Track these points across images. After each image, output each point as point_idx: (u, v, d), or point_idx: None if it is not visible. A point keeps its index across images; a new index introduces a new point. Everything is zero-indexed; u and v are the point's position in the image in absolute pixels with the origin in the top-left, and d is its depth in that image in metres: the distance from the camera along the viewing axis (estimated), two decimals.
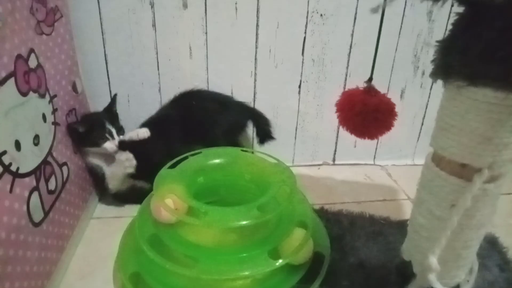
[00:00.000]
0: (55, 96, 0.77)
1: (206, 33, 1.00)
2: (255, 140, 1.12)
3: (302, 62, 1.07)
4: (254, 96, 1.09)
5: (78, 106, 0.90)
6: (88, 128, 0.83)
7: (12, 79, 0.59)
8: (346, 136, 0.85)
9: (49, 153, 0.71)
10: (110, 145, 0.85)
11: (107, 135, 0.85)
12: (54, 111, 0.76)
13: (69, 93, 0.86)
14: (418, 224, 0.58)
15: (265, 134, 1.09)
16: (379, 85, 0.78)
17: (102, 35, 0.96)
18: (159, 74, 1.03)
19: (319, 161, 1.22)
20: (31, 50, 0.67)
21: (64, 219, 0.76)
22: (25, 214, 0.60)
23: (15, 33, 0.61)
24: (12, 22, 0.60)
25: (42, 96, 0.71)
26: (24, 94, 0.63)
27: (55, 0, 0.78)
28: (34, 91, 0.67)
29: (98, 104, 1.01)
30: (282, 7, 0.99)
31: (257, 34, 1.02)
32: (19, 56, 0.61)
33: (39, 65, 0.70)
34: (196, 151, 0.79)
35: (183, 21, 0.98)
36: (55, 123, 0.76)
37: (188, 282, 0.62)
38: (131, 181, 0.92)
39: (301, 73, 1.08)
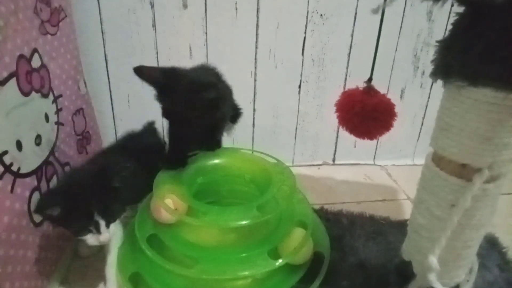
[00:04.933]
0: (60, 96, 0.77)
1: (206, 33, 1.00)
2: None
3: (302, 62, 1.07)
4: (254, 96, 1.09)
5: (85, 106, 0.90)
6: (66, 213, 0.58)
7: (14, 79, 0.59)
8: (346, 136, 0.85)
9: (51, 153, 0.71)
10: (91, 240, 0.62)
11: (92, 228, 0.61)
12: (58, 111, 0.76)
13: (76, 92, 0.86)
14: (418, 224, 0.58)
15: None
16: (379, 85, 0.78)
17: (102, 35, 0.96)
18: None
19: (319, 161, 1.22)
20: (35, 50, 0.67)
21: None
22: (26, 214, 0.60)
23: (17, 33, 0.61)
24: (14, 22, 0.60)
25: (45, 96, 0.71)
26: (26, 94, 0.63)
27: (59, 0, 0.78)
28: (37, 91, 0.67)
29: (98, 104, 1.01)
30: (282, 7, 0.99)
31: (257, 34, 1.02)
32: (21, 56, 0.61)
33: (42, 65, 0.70)
34: (196, 152, 0.79)
35: (183, 21, 0.98)
36: (58, 123, 0.76)
37: (188, 282, 0.62)
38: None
39: (301, 73, 1.08)
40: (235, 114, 0.97)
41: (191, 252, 0.61)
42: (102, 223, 0.61)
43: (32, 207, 0.61)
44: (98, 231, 0.61)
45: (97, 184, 0.61)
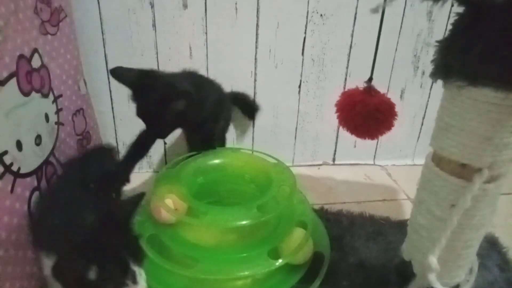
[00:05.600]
0: (60, 96, 0.77)
1: (206, 33, 1.00)
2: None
3: (302, 62, 1.07)
4: (254, 96, 1.09)
5: (85, 106, 0.90)
6: (103, 271, 0.47)
7: (14, 79, 0.59)
8: (346, 136, 0.85)
9: (51, 153, 0.71)
10: None
11: (129, 281, 0.49)
12: (58, 111, 0.76)
13: (76, 92, 0.86)
14: (418, 224, 0.58)
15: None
16: (379, 85, 0.78)
17: (102, 35, 0.96)
18: None
19: (319, 161, 1.22)
20: (35, 50, 0.67)
21: None
22: (26, 214, 0.60)
23: (18, 33, 0.61)
24: (15, 22, 0.60)
25: (45, 96, 0.70)
26: (26, 94, 0.63)
27: (59, 0, 0.78)
28: (37, 91, 0.67)
29: (98, 104, 1.01)
30: (282, 7, 0.99)
31: (257, 34, 1.02)
32: (21, 56, 0.61)
33: (43, 65, 0.69)
34: (195, 152, 0.79)
35: (183, 21, 0.98)
36: (58, 123, 0.76)
37: (188, 282, 0.62)
38: None
39: (301, 73, 1.08)
40: (250, 109, 1.03)
41: (191, 252, 0.61)
42: (137, 270, 0.50)
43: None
44: (134, 282, 0.49)
45: (119, 225, 0.51)
